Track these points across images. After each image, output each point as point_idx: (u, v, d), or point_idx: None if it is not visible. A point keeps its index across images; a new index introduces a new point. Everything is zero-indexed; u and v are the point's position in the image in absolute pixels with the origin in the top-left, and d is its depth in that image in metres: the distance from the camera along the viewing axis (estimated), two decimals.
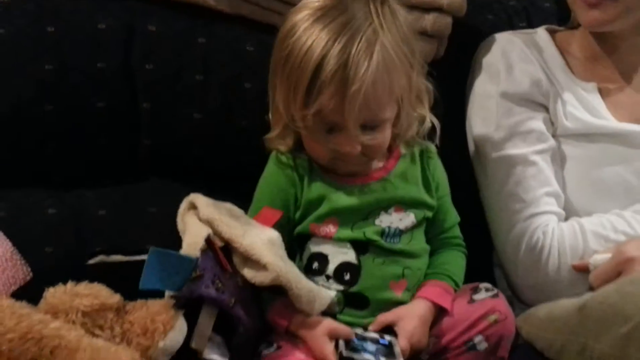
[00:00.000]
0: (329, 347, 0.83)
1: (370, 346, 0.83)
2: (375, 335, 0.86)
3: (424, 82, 0.93)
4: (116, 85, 1.05)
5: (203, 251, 0.82)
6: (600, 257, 0.92)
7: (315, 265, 0.90)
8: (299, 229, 0.91)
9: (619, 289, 0.80)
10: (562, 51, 1.06)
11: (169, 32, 1.06)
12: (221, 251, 0.85)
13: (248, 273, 0.85)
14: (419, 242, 0.93)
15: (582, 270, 0.93)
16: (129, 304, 0.82)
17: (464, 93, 1.09)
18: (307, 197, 0.91)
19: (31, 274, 0.97)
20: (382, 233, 0.90)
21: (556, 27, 1.12)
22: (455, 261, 0.95)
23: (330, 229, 0.90)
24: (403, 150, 0.94)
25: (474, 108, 1.06)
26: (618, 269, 0.89)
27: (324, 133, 0.87)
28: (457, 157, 1.06)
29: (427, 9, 1.05)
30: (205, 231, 0.84)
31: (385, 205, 0.91)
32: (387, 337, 0.85)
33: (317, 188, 0.91)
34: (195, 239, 0.83)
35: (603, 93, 1.02)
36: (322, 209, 0.90)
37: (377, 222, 0.90)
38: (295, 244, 0.92)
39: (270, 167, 0.94)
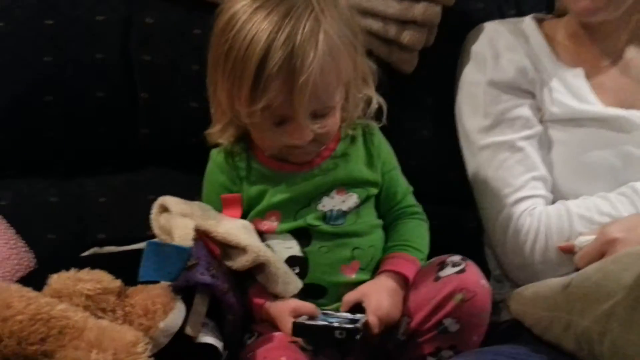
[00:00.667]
0: (290, 323, 0.82)
1: (333, 319, 0.82)
2: (346, 315, 0.84)
3: (367, 63, 0.91)
4: (114, 75, 1.07)
5: (195, 240, 0.83)
6: (585, 239, 0.93)
7: None
8: None
9: (602, 267, 0.81)
10: (549, 39, 1.07)
11: (165, 23, 1.08)
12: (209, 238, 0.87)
13: (229, 259, 0.86)
14: (366, 220, 0.91)
15: (568, 251, 0.95)
16: (129, 288, 0.83)
17: (453, 81, 1.11)
18: (247, 194, 0.91)
19: (35, 261, 1.00)
20: (324, 217, 0.89)
21: (543, 15, 1.13)
22: (414, 229, 0.94)
23: (273, 222, 0.90)
24: (343, 132, 0.92)
25: (462, 96, 1.07)
26: (602, 249, 0.90)
27: (273, 126, 0.84)
28: (448, 142, 1.08)
29: None
30: (191, 223, 0.85)
31: (326, 189, 0.90)
32: (358, 316, 0.83)
33: (256, 183, 0.90)
34: (185, 231, 0.83)
35: (589, 78, 1.03)
36: (263, 203, 0.90)
37: (319, 207, 0.89)
38: None
39: (210, 168, 0.94)
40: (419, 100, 1.12)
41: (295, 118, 0.83)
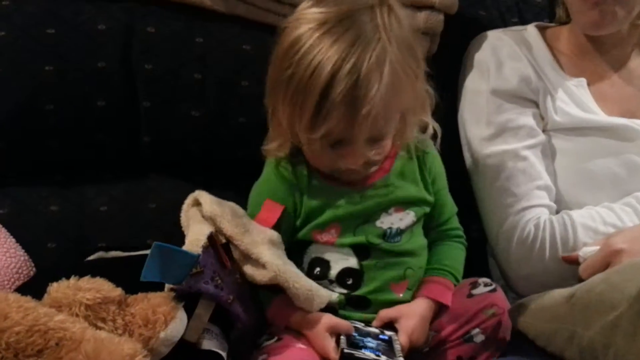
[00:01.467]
0: (330, 343, 0.83)
1: (371, 342, 0.84)
2: (375, 330, 0.87)
3: (426, 88, 0.91)
4: (116, 84, 1.07)
5: (205, 248, 0.83)
6: (589, 249, 0.93)
7: (317, 270, 0.90)
8: (300, 235, 0.91)
9: (606, 278, 0.82)
10: (551, 47, 1.07)
11: (167, 32, 1.08)
12: (222, 248, 0.87)
13: (248, 270, 0.86)
14: (418, 239, 0.93)
15: (572, 262, 0.95)
16: (130, 296, 0.83)
17: (456, 89, 1.11)
18: (307, 206, 0.90)
19: (34, 269, 0.99)
20: (384, 235, 0.90)
21: (546, 23, 1.13)
22: (455, 255, 0.96)
23: (333, 234, 0.90)
24: (400, 150, 0.93)
25: (465, 104, 1.08)
26: (606, 260, 0.90)
27: (328, 148, 0.85)
28: (451, 151, 1.07)
29: (420, 7, 1.07)
30: (207, 229, 0.85)
31: (385, 207, 0.90)
32: (388, 333, 0.86)
33: (317, 196, 0.90)
34: (197, 236, 0.83)
35: (591, 88, 1.03)
36: (324, 216, 0.90)
37: (378, 223, 0.90)
38: (294, 248, 0.91)
39: (269, 175, 0.92)
40: None
41: (352, 143, 0.84)
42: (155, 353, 0.79)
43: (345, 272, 0.90)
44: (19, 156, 1.08)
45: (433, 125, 0.94)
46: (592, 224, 0.96)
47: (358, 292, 0.90)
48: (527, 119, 1.02)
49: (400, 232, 0.91)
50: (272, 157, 0.92)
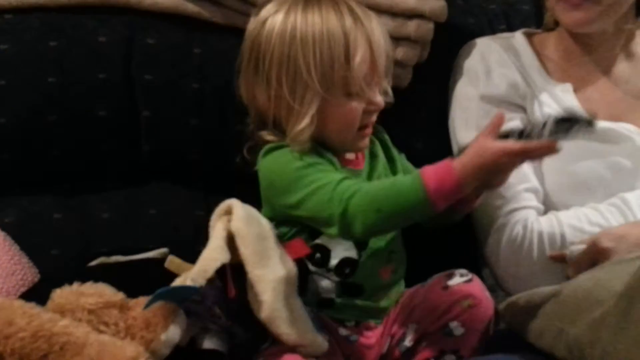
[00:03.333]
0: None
1: None
2: None
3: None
4: (117, 95, 1.09)
5: (209, 280, 0.82)
6: (576, 248, 0.95)
7: (318, 256, 0.91)
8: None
9: (593, 276, 0.83)
10: (538, 53, 1.09)
11: (166, 43, 1.10)
12: (232, 272, 0.85)
13: (250, 297, 0.85)
14: None
15: (559, 260, 0.96)
16: (131, 300, 0.85)
17: (447, 95, 1.13)
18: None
19: (39, 276, 1.00)
20: None
21: (533, 30, 1.15)
22: None
23: None
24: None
25: (456, 110, 1.10)
26: (593, 258, 0.92)
27: (357, 93, 0.90)
28: (442, 156, 1.08)
29: (410, 16, 1.08)
30: (220, 257, 0.83)
31: None
32: None
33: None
34: (206, 268, 0.82)
35: (578, 93, 1.05)
36: None
37: None
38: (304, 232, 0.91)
39: (290, 151, 0.90)
40: (414, 115, 1.14)
41: (377, 76, 0.92)
42: (157, 355, 0.81)
43: (344, 262, 0.92)
44: (24, 166, 1.10)
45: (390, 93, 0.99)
46: (579, 224, 0.98)
47: (352, 280, 0.92)
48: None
49: None
50: (297, 146, 0.90)
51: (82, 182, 1.11)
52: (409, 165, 1.02)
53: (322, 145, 0.93)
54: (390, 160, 1.00)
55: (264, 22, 0.92)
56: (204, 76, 1.10)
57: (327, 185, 0.86)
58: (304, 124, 0.90)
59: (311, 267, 0.91)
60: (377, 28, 0.92)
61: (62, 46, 1.07)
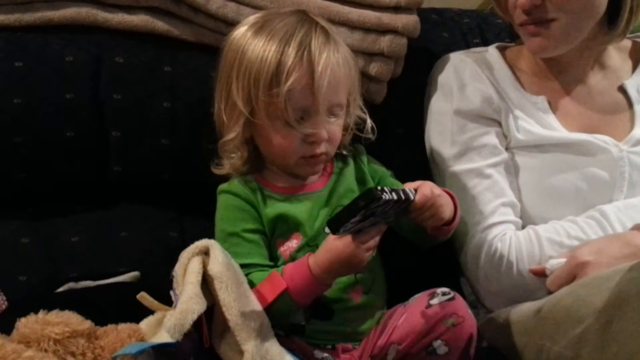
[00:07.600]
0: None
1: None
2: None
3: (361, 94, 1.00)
4: (85, 115, 1.07)
5: (186, 334, 0.79)
6: (555, 262, 0.94)
7: None
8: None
9: (572, 291, 0.83)
10: (512, 67, 1.09)
11: (135, 62, 1.08)
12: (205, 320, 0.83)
13: (223, 346, 0.83)
14: None
15: (539, 274, 0.96)
16: (99, 329, 0.82)
17: (422, 110, 1.12)
18: (266, 217, 0.94)
19: (7, 303, 0.98)
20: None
21: (507, 44, 1.16)
22: None
23: (293, 244, 0.93)
24: (335, 165, 1.00)
25: (430, 125, 1.09)
26: (572, 272, 0.92)
27: (295, 122, 0.90)
28: (419, 170, 1.09)
29: (383, 32, 1.08)
30: (197, 310, 0.80)
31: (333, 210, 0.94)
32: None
33: (272, 206, 0.94)
34: (183, 321, 0.79)
35: (552, 105, 1.05)
36: (283, 227, 0.93)
37: (326, 230, 0.90)
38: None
39: (226, 199, 0.96)
40: (390, 130, 1.13)
41: (315, 109, 0.90)
42: None
43: None
44: None
45: (369, 121, 1.00)
46: (557, 237, 0.97)
47: (321, 301, 0.91)
48: (490, 137, 1.04)
49: None
50: (221, 186, 0.96)
51: (50, 204, 1.10)
52: (397, 183, 1.00)
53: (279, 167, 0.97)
54: (361, 182, 0.99)
55: (229, 37, 0.97)
56: (174, 95, 1.09)
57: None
58: (229, 137, 0.95)
59: None
60: (333, 59, 0.91)
61: (27, 66, 1.06)
